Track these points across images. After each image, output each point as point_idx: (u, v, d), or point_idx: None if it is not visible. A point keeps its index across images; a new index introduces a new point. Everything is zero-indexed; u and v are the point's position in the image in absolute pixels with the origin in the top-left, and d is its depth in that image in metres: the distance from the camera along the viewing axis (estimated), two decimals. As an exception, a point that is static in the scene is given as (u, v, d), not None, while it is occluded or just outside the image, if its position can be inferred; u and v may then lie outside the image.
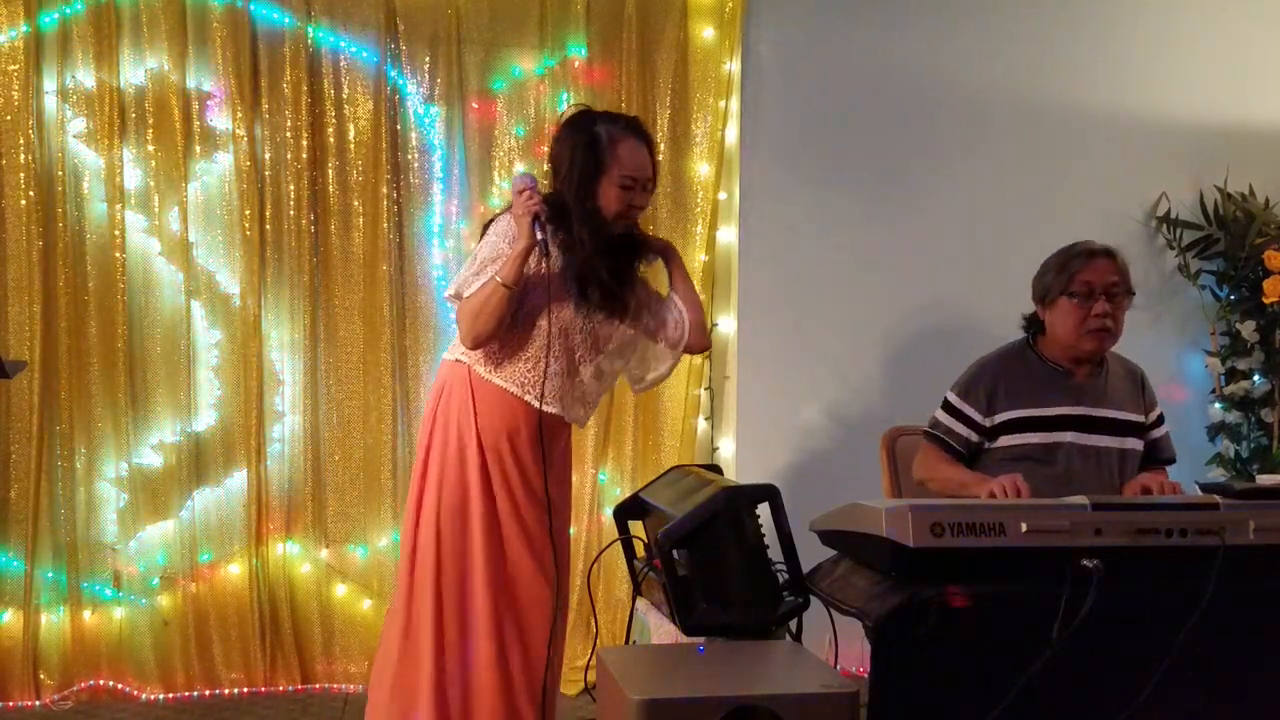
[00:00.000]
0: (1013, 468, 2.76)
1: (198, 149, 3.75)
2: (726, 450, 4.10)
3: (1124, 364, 2.98)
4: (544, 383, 2.66)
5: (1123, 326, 2.86)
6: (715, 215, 4.06)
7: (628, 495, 3.04)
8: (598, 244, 2.66)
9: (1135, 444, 2.88)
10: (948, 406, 2.91)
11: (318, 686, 3.86)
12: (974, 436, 2.86)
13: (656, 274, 2.93)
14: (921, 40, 4.17)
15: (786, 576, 2.39)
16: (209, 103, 3.76)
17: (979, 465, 2.88)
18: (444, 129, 3.92)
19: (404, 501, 3.94)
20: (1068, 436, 2.81)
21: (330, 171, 3.85)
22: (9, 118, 3.63)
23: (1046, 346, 2.91)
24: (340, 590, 3.91)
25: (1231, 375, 4.35)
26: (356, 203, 3.87)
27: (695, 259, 4.04)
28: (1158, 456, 2.96)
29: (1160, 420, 2.98)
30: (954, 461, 2.86)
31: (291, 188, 3.80)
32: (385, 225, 3.85)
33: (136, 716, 3.62)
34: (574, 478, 4.00)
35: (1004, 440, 2.85)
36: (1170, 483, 2.71)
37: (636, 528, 2.79)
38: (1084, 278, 2.81)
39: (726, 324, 4.11)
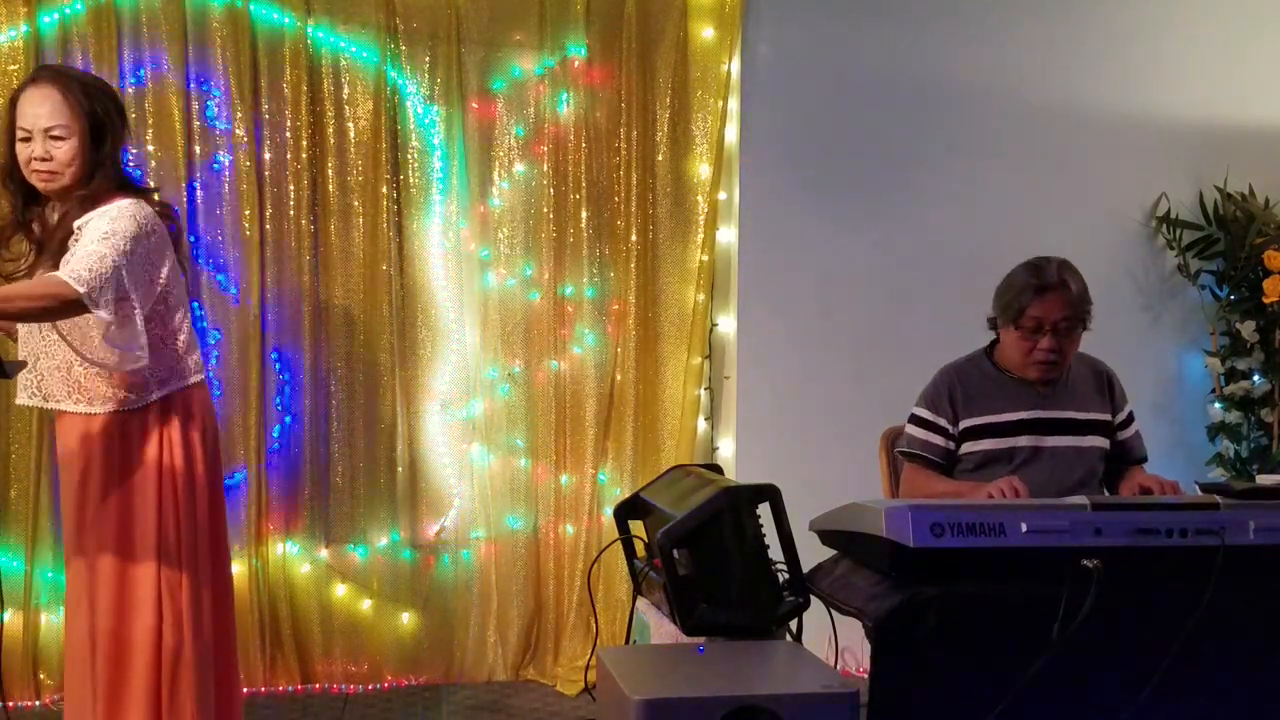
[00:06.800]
0: (974, 474, 2.80)
1: (198, 149, 3.75)
2: (726, 450, 4.10)
3: (1090, 364, 2.98)
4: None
5: (1075, 348, 2.86)
6: (715, 215, 4.06)
7: (628, 495, 3.04)
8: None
9: (1097, 441, 2.89)
10: (918, 421, 2.92)
11: (318, 686, 3.85)
12: (951, 445, 2.88)
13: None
14: (921, 40, 4.16)
15: (786, 576, 2.39)
16: (209, 103, 3.76)
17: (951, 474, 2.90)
18: (444, 129, 3.92)
19: (404, 502, 3.95)
20: (1023, 440, 2.83)
21: (330, 171, 3.85)
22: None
23: (1002, 356, 2.92)
24: (340, 590, 3.90)
25: (1231, 375, 4.35)
26: (356, 203, 3.87)
27: (695, 259, 4.05)
28: (1129, 457, 2.96)
29: (1130, 420, 2.98)
30: (940, 475, 2.87)
31: (291, 188, 3.80)
32: (385, 225, 3.85)
33: (136, 716, 3.61)
34: (574, 478, 4.04)
35: (966, 447, 2.87)
36: (1170, 483, 2.71)
37: (636, 528, 2.78)
38: (1033, 314, 2.79)
39: (726, 324, 4.11)
